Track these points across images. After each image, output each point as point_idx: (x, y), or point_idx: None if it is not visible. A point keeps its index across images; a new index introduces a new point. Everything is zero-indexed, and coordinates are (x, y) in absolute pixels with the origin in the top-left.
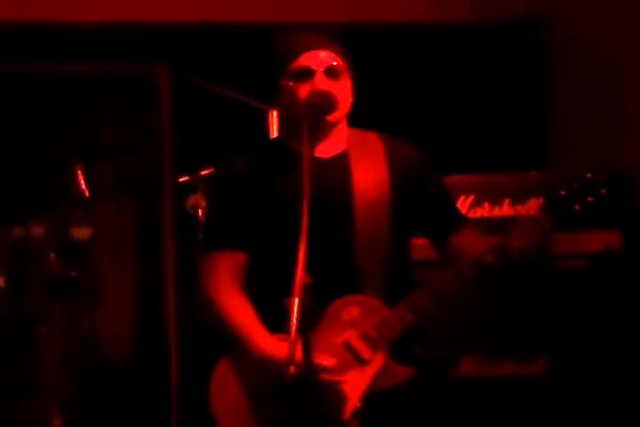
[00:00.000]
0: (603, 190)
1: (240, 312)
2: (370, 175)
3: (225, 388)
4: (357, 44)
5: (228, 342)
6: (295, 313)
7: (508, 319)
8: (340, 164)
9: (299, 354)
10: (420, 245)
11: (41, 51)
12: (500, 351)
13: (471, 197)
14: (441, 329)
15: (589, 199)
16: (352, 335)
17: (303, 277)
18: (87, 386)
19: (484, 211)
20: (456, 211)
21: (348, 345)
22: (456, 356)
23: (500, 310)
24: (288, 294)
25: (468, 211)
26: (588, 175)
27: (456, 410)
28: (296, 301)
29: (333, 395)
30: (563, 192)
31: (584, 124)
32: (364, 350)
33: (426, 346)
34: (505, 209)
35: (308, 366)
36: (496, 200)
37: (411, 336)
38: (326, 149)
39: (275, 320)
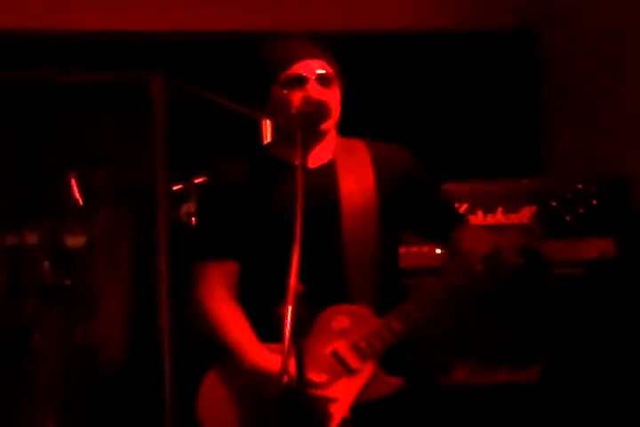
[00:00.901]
0: (594, 201)
1: (232, 323)
2: (356, 184)
3: (213, 398)
4: (351, 51)
5: (220, 350)
6: (289, 322)
7: (502, 327)
8: (327, 173)
9: (292, 365)
10: (410, 253)
11: (36, 59)
12: (494, 359)
13: (465, 206)
14: (433, 337)
15: (580, 210)
16: (341, 345)
17: (297, 285)
18: (81, 394)
19: (478, 219)
20: (452, 209)
21: (336, 355)
22: (449, 364)
23: (494, 317)
24: (278, 302)
25: None
26: (579, 186)
27: (449, 419)
28: (289, 309)
29: (322, 408)
30: (554, 203)
31: (577, 132)
32: (353, 359)
33: (417, 354)
34: (498, 217)
35: (301, 377)
36: (489, 208)
37: (401, 346)
38: (313, 159)
39: (266, 329)
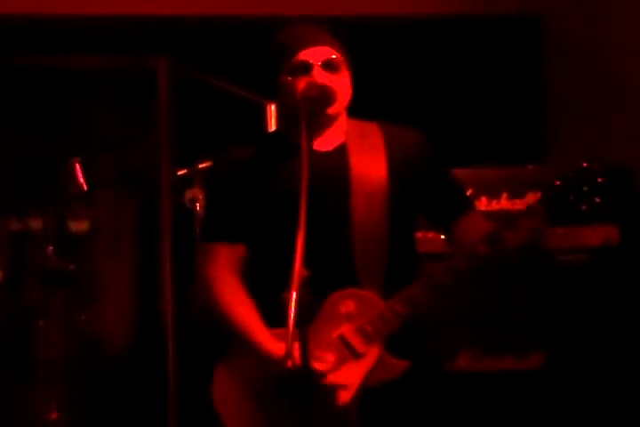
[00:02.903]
0: (599, 179)
1: (239, 308)
2: (368, 167)
3: (227, 389)
4: (356, 36)
5: (224, 335)
6: (293, 307)
7: (506, 313)
8: (339, 157)
9: (297, 350)
10: (427, 239)
11: (41, 44)
12: (498, 345)
13: (469, 191)
14: (438, 322)
15: (585, 189)
16: (347, 329)
17: (301, 270)
18: (85, 379)
19: (482, 205)
20: (462, 196)
21: (343, 339)
22: (453, 349)
23: (497, 303)
24: (285, 287)
25: None
26: (584, 165)
27: (454, 404)
28: (294, 295)
29: (328, 393)
30: (558, 182)
31: (582, 118)
32: (359, 343)
33: (432, 339)
34: (503, 203)
35: (306, 361)
36: (494, 194)
37: (411, 330)
38: (325, 143)
39: (272, 314)
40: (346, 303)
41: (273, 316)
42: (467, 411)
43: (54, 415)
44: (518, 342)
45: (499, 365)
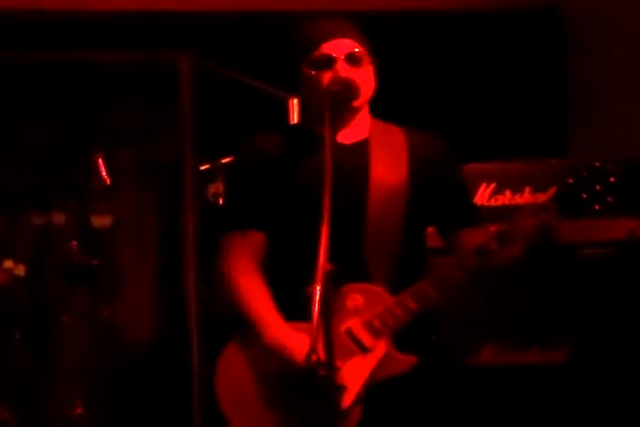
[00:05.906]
0: (612, 179)
1: (255, 298)
2: (388, 165)
3: (230, 371)
4: (377, 31)
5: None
6: (317, 301)
7: (531, 306)
8: (360, 151)
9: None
10: (433, 234)
11: (64, 39)
12: (522, 338)
13: (492, 185)
14: (457, 317)
15: (597, 188)
16: (355, 323)
17: (325, 264)
18: (108, 373)
19: (506, 199)
20: (470, 208)
21: (350, 333)
22: (475, 344)
23: (523, 297)
24: (304, 279)
25: (490, 199)
26: (597, 164)
27: (477, 396)
28: (318, 289)
29: (335, 385)
30: (570, 180)
31: (604, 111)
32: (366, 338)
33: (439, 333)
34: (526, 197)
35: (330, 356)
36: (517, 188)
37: (419, 324)
38: (348, 136)
39: (291, 307)
40: (354, 297)
41: (292, 309)
42: (489, 404)
43: (78, 410)
44: (543, 335)
45: (523, 358)
